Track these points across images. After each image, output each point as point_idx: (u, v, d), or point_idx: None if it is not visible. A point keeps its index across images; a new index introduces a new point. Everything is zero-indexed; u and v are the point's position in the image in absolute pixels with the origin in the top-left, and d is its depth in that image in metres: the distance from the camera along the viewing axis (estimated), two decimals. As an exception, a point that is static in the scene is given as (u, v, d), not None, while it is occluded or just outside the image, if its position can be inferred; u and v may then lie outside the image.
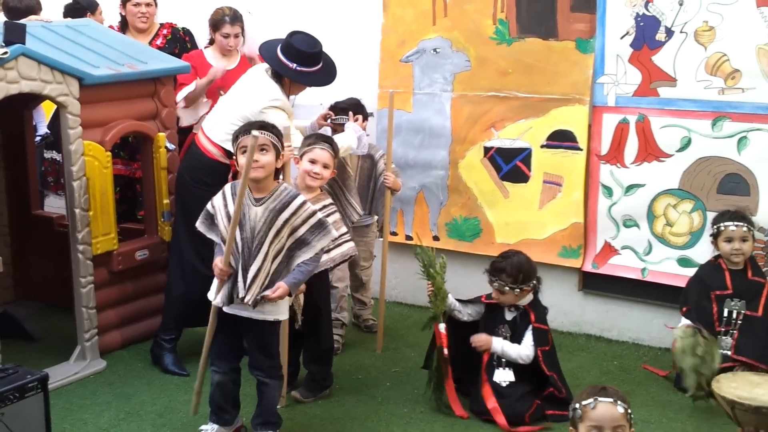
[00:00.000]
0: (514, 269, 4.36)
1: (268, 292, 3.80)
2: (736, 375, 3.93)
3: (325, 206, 4.42)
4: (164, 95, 5.19)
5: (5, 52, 4.31)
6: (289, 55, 4.71)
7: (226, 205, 3.89)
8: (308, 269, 3.91)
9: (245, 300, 3.81)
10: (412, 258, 5.76)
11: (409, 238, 5.86)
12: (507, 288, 4.34)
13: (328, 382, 4.64)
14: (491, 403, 4.29)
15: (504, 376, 4.40)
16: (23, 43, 4.45)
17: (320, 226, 3.88)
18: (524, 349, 4.36)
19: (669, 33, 4.92)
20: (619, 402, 2.95)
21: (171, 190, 5.16)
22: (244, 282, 3.81)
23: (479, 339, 4.43)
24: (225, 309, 3.91)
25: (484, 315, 4.55)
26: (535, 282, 4.43)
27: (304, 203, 3.89)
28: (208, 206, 3.96)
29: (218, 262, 3.86)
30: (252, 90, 4.79)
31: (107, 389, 4.65)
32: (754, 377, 3.85)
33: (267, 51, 4.81)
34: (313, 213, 3.89)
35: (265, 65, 4.83)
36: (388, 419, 4.38)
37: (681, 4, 4.86)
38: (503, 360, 4.41)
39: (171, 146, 5.19)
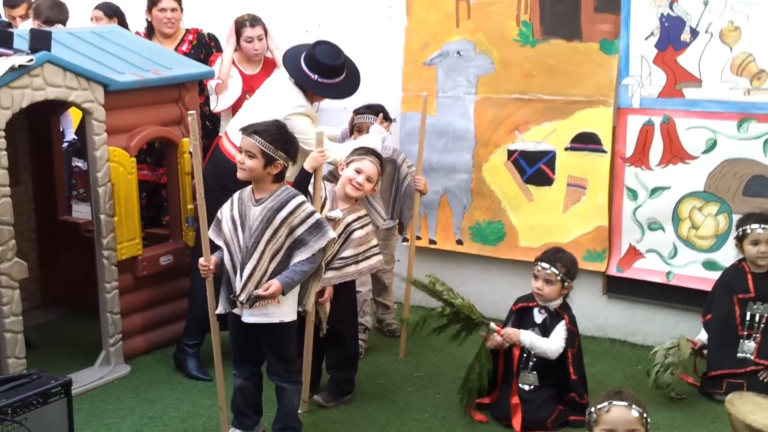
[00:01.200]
0: (568, 261, 4.38)
1: (260, 290, 3.81)
2: (745, 397, 3.88)
3: (359, 217, 4.44)
4: (189, 100, 5.21)
5: (31, 59, 4.36)
6: (311, 66, 4.72)
7: (231, 210, 3.93)
8: (303, 269, 3.88)
9: (240, 299, 3.83)
10: (436, 261, 5.82)
11: (432, 242, 5.84)
12: (559, 278, 4.31)
13: (351, 387, 4.65)
14: (515, 400, 4.27)
15: (528, 379, 4.38)
16: (49, 50, 4.51)
17: (318, 227, 3.87)
18: (553, 343, 4.31)
19: (694, 33, 4.86)
20: (633, 406, 2.94)
21: (195, 195, 5.18)
22: (240, 280, 3.84)
23: (508, 331, 4.36)
24: (235, 312, 3.92)
25: (514, 322, 4.50)
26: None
27: (302, 203, 3.89)
28: (218, 213, 4.00)
29: (201, 259, 3.91)
30: (276, 96, 4.81)
31: (131, 394, 4.69)
32: (763, 401, 3.82)
33: (290, 60, 4.82)
34: (312, 213, 3.89)
35: None
36: (410, 425, 4.37)
37: (706, 4, 4.80)
38: (530, 363, 4.38)
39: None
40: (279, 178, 3.93)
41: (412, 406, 4.56)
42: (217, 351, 4.06)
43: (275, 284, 3.80)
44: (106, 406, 4.56)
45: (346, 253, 4.34)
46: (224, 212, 3.97)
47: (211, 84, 5.85)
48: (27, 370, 4.29)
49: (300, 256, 3.86)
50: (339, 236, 4.31)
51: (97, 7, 6.51)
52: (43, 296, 5.80)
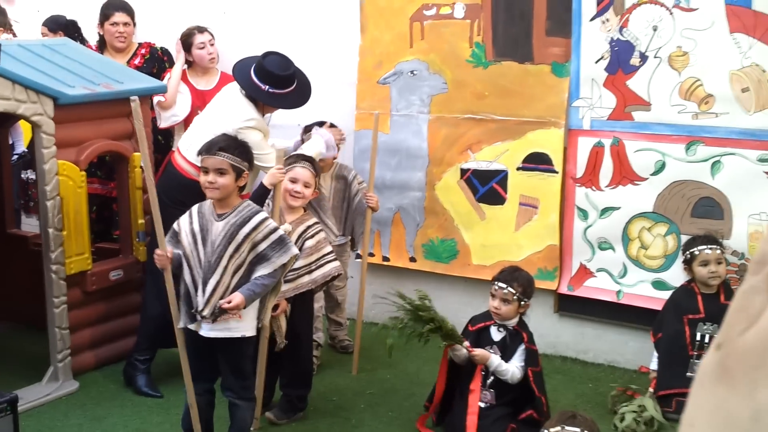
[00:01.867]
0: (525, 281, 4.39)
1: (222, 302, 3.78)
2: None
3: (309, 227, 4.43)
4: (141, 115, 5.17)
5: (-20, 72, 4.30)
6: (261, 76, 4.72)
7: (191, 223, 3.90)
8: (264, 283, 3.87)
9: (203, 313, 3.80)
10: (389, 278, 5.83)
11: (385, 258, 5.86)
12: (516, 297, 4.33)
13: (303, 405, 4.62)
14: (471, 420, 4.26)
15: (485, 397, 4.38)
16: (-3, 62, 4.45)
17: (281, 243, 3.86)
18: (516, 371, 4.31)
19: (643, 58, 4.96)
20: (586, 431, 2.96)
21: (146, 209, 5.14)
22: (203, 295, 3.81)
23: (478, 353, 4.33)
24: (191, 327, 3.88)
25: (472, 341, 4.49)
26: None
27: (265, 219, 3.88)
28: (174, 225, 3.96)
29: (157, 249, 3.86)
30: (227, 109, 4.79)
31: (79, 411, 4.61)
32: None
33: (240, 72, 4.82)
34: (275, 229, 3.88)
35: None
36: (362, 442, 4.37)
37: (655, 30, 4.90)
38: (487, 381, 4.39)
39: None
40: (242, 190, 3.94)
41: (364, 423, 4.55)
42: (185, 368, 3.97)
43: (238, 296, 3.77)
44: (53, 423, 4.47)
45: (299, 263, 4.29)
46: (182, 225, 3.93)
47: (155, 100, 5.79)
48: (-28, 386, 4.21)
49: (261, 271, 3.84)
50: None
51: (44, 24, 6.46)
52: (-11, 311, 5.69)
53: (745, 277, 0.95)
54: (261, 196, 4.38)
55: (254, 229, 3.84)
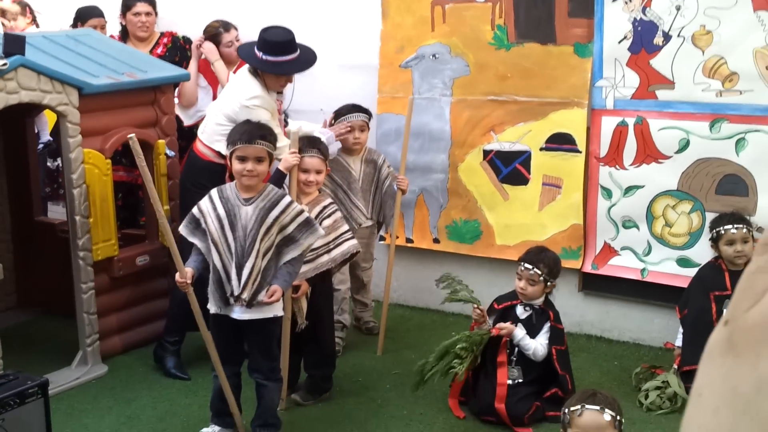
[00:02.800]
0: (551, 261, 4.40)
1: (263, 297, 3.83)
2: None
3: (325, 207, 4.46)
4: (164, 103, 5.22)
5: (4, 64, 4.35)
6: (260, 46, 4.77)
7: (215, 208, 3.92)
8: (295, 270, 3.96)
9: (242, 296, 3.84)
10: (413, 260, 5.85)
11: (409, 240, 5.88)
12: (542, 278, 4.34)
13: (329, 385, 4.66)
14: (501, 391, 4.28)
15: (512, 374, 4.39)
16: (23, 54, 4.49)
17: (307, 224, 3.93)
18: (540, 348, 4.34)
19: (667, 37, 4.93)
20: (606, 409, 2.97)
21: (171, 196, 5.19)
22: (239, 280, 3.85)
23: (503, 325, 4.36)
24: (223, 312, 3.92)
25: (497, 319, 4.52)
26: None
27: (291, 202, 3.96)
28: (194, 210, 3.99)
29: (177, 275, 3.90)
30: (233, 89, 4.89)
31: (108, 394, 4.67)
32: None
33: (244, 48, 4.94)
34: (301, 211, 3.94)
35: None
36: (388, 421, 4.39)
37: (678, 9, 4.87)
38: (513, 358, 4.40)
39: (171, 153, 5.22)
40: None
41: (390, 403, 4.58)
42: (213, 353, 4.00)
43: (277, 289, 3.85)
44: (83, 406, 4.54)
45: (317, 243, 4.29)
46: (205, 210, 3.95)
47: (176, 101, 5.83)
48: (3, 370, 4.26)
49: (291, 253, 3.91)
50: None
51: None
52: (18, 297, 5.76)
53: (752, 258, 0.99)
54: (278, 180, 4.41)
55: (282, 212, 3.89)
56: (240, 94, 4.75)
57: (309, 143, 4.58)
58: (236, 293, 3.86)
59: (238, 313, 3.92)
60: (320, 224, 4.35)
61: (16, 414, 3.64)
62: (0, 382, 3.74)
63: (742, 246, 4.53)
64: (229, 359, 4.06)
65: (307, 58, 4.90)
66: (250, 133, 3.91)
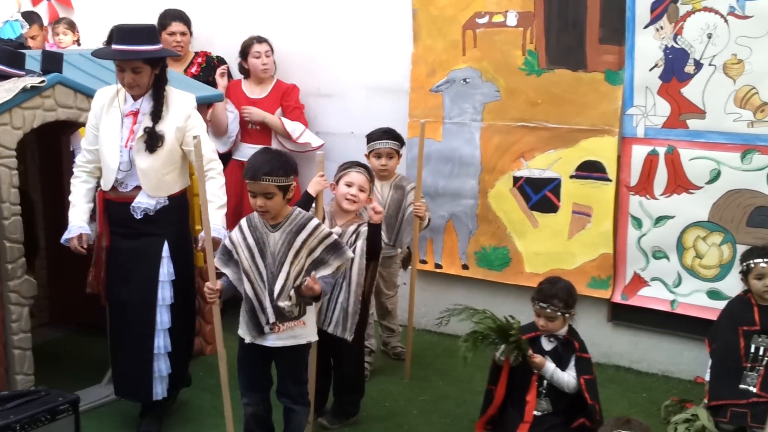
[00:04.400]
0: (565, 293, 4.33)
1: (308, 281, 3.82)
2: None
3: (359, 225, 4.46)
4: (197, 123, 5.26)
5: (42, 81, 4.42)
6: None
7: (245, 238, 3.95)
8: (331, 281, 3.99)
9: (275, 320, 3.88)
10: (441, 286, 5.86)
11: (438, 266, 5.89)
12: (559, 313, 4.31)
13: (356, 410, 4.67)
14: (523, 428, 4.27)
15: (541, 406, 4.38)
16: (60, 72, 4.57)
17: (336, 246, 3.95)
18: (571, 380, 4.31)
19: (698, 65, 4.92)
20: None
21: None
22: (270, 303, 3.87)
23: (538, 358, 4.32)
24: (258, 342, 3.95)
25: None
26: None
27: (318, 225, 3.96)
28: (226, 242, 4.02)
29: (208, 283, 3.92)
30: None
31: (137, 412, 4.68)
32: None
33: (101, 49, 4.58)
34: (329, 234, 3.95)
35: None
36: (414, 448, 4.40)
37: (710, 37, 4.87)
38: (542, 390, 4.38)
39: None
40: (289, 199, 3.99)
41: (417, 429, 4.58)
42: (224, 382, 4.04)
43: (317, 284, 3.85)
44: (113, 423, 4.58)
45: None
46: (236, 241, 3.98)
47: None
48: (35, 386, 4.32)
49: (323, 272, 3.92)
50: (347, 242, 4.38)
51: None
52: (51, 313, 5.82)
53: None
54: (305, 203, 4.43)
55: (310, 234, 3.91)
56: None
57: (358, 163, 4.62)
58: (271, 321, 3.88)
59: (272, 341, 3.94)
60: (358, 238, 4.40)
61: (46, 430, 3.70)
62: (31, 398, 3.80)
63: None
64: (258, 387, 4.08)
65: (148, 53, 4.29)
66: (256, 169, 3.84)
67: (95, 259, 4.51)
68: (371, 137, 5.24)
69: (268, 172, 3.82)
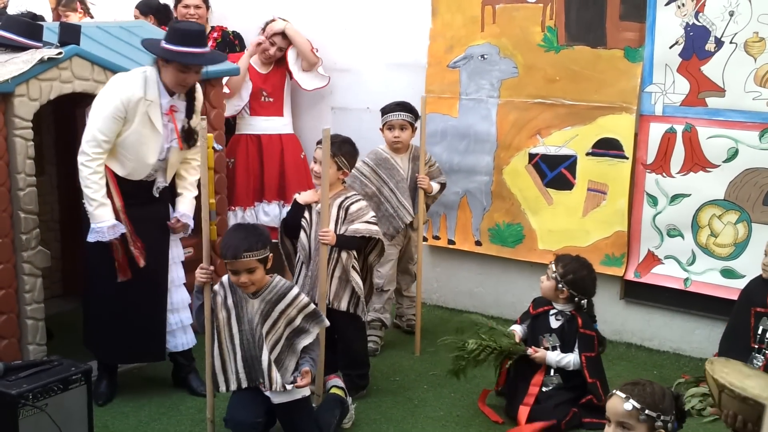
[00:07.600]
0: (572, 269, 4.44)
1: (300, 383, 3.90)
2: (729, 362, 3.79)
3: (347, 197, 4.53)
4: (213, 97, 5.25)
5: (60, 53, 4.43)
6: (166, 37, 4.37)
7: (225, 298, 4.00)
8: (315, 353, 4.08)
9: (274, 388, 3.92)
10: (454, 262, 5.84)
11: (451, 242, 5.87)
12: (554, 276, 4.42)
13: (365, 382, 4.69)
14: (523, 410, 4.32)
15: (551, 381, 4.42)
16: (77, 44, 4.57)
17: (314, 315, 4.02)
18: (575, 357, 4.40)
19: (719, 43, 4.87)
20: (631, 399, 2.92)
21: (218, 189, 5.23)
22: (263, 372, 3.91)
23: (538, 355, 4.42)
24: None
25: (530, 323, 4.57)
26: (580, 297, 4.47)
27: (299, 294, 4.00)
28: (215, 287, 4.03)
29: (202, 264, 4.00)
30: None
31: (148, 384, 4.74)
32: (745, 369, 3.70)
33: (148, 41, 4.52)
34: (308, 303, 4.01)
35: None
36: (425, 422, 4.41)
37: (731, 15, 4.81)
38: (551, 369, 4.42)
39: (218, 147, 5.25)
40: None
41: (427, 403, 4.59)
42: (209, 365, 4.07)
43: (309, 372, 3.94)
44: (123, 394, 4.61)
45: (357, 226, 4.45)
46: (219, 301, 4.00)
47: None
48: (47, 356, 4.35)
49: (304, 341, 4.01)
50: (336, 218, 4.47)
51: (136, 6, 6.64)
52: (64, 285, 5.85)
53: None
54: (295, 214, 4.52)
55: (289, 305, 3.96)
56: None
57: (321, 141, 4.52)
58: (272, 387, 3.92)
59: (275, 398, 3.98)
60: (347, 211, 4.47)
61: (59, 400, 3.71)
62: (44, 368, 3.81)
63: None
64: (249, 407, 4.03)
65: (212, 57, 4.55)
66: (236, 248, 3.85)
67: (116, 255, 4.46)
68: (385, 110, 5.23)
69: (249, 248, 3.86)
